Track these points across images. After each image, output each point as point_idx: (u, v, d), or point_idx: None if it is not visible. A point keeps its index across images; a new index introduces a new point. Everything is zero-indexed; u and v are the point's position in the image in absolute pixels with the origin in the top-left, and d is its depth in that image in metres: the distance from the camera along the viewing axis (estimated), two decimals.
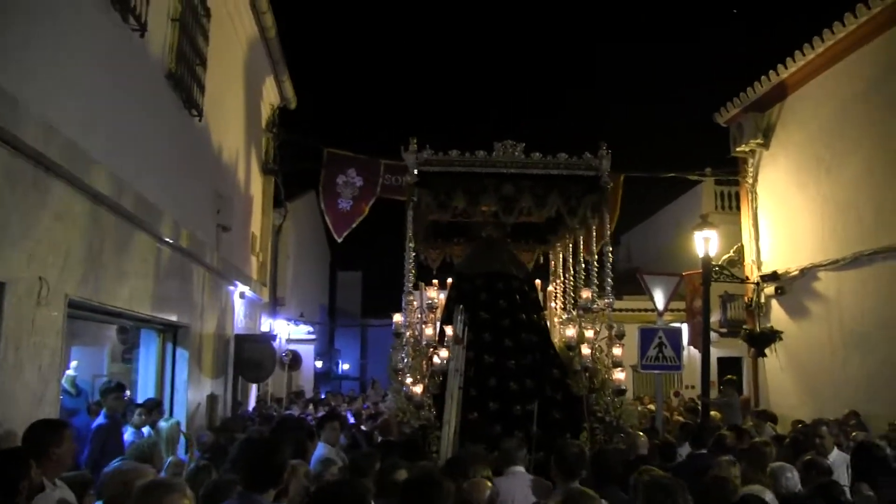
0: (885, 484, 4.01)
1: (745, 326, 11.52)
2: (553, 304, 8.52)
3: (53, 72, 4.22)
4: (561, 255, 8.63)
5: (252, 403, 11.03)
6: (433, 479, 2.93)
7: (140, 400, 6.73)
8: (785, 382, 10.73)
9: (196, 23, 7.06)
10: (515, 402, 6.31)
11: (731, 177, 12.74)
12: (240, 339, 9.53)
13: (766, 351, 10.91)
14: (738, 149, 11.63)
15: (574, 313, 7.68)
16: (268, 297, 12.13)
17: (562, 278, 8.45)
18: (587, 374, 6.68)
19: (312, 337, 17.09)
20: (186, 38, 6.71)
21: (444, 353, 6.31)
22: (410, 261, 6.78)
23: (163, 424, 6.46)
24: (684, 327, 10.74)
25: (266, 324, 12.29)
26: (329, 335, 24.92)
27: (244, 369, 9.47)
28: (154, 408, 6.45)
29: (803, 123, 10.53)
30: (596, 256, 7.30)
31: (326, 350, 24.02)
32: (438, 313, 7.46)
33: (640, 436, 5.65)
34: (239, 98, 9.64)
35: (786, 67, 10.41)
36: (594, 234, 7.34)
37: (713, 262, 10.24)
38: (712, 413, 8.78)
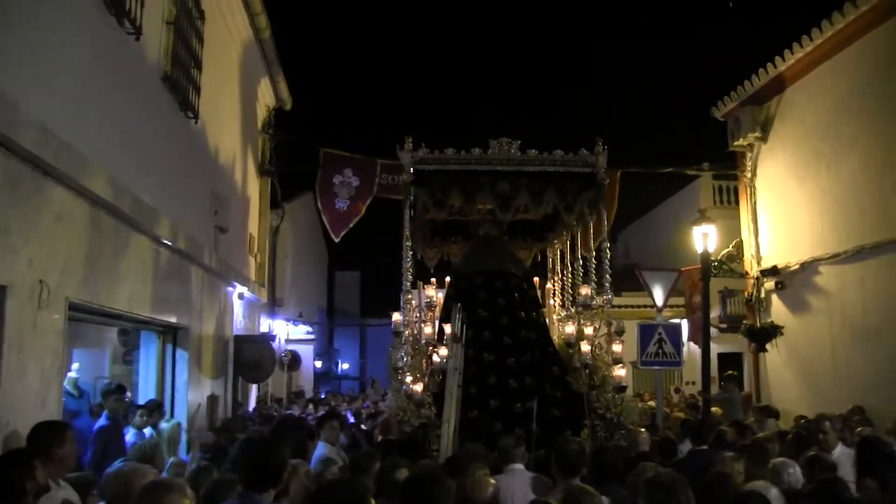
0: (892, 479, 3.95)
1: (745, 321, 11.51)
2: (552, 302, 8.53)
3: (51, 76, 4.22)
4: (559, 253, 8.64)
5: (252, 404, 11.04)
6: (434, 477, 2.93)
7: (141, 401, 6.74)
8: (786, 378, 10.72)
9: (190, 25, 7.06)
10: (515, 400, 6.32)
11: (729, 171, 12.73)
12: (239, 339, 9.54)
13: (767, 346, 10.90)
14: (735, 143, 11.60)
15: (573, 310, 7.69)
16: (266, 298, 12.13)
17: (560, 275, 8.46)
18: (587, 371, 6.69)
19: (311, 337, 17.11)
20: (181, 41, 6.71)
21: (443, 351, 6.32)
22: (408, 260, 6.78)
23: (164, 425, 6.48)
24: (684, 323, 10.77)
25: (265, 324, 12.30)
26: (328, 335, 24.94)
27: (244, 370, 9.48)
28: (155, 409, 6.47)
29: (802, 116, 10.48)
30: (594, 253, 7.31)
31: (326, 350, 24.04)
32: (437, 312, 7.47)
33: (642, 432, 5.65)
34: (234, 100, 9.64)
35: (784, 60, 10.32)
36: (592, 230, 7.34)
37: (712, 258, 10.25)
38: (713, 409, 8.80)
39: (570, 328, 7.20)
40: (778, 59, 10.44)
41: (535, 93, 38.32)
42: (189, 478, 3.89)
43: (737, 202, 12.48)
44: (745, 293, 11.82)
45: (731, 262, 11.90)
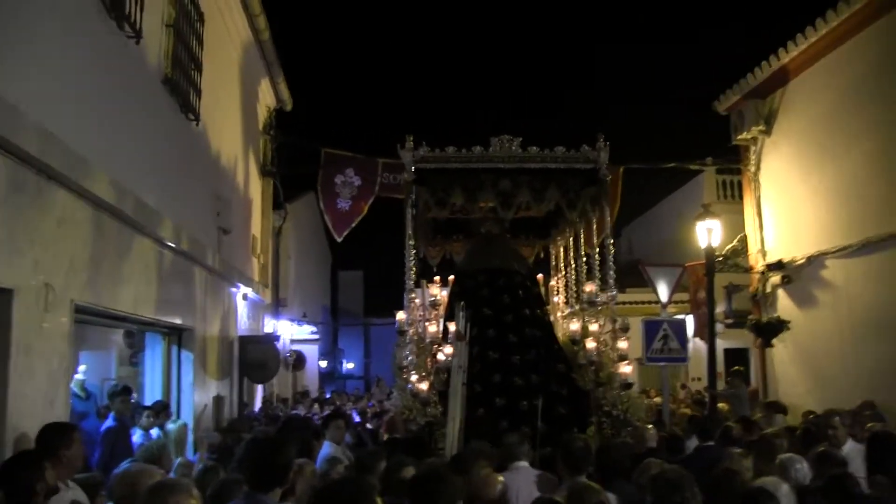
0: None
1: (751, 317, 11.46)
2: (556, 299, 8.52)
3: (52, 80, 4.24)
4: (562, 249, 8.63)
5: (258, 404, 11.07)
6: (441, 475, 2.92)
7: (147, 403, 6.76)
8: (793, 373, 10.66)
9: (190, 27, 7.07)
10: (521, 398, 6.32)
11: (732, 165, 12.66)
12: (244, 340, 9.57)
13: (774, 341, 10.85)
14: (739, 137, 11.53)
15: (577, 307, 7.68)
16: (270, 299, 12.15)
17: (563, 272, 8.45)
18: (593, 368, 6.68)
19: (316, 337, 17.14)
20: (181, 43, 6.72)
21: (448, 349, 6.32)
22: (411, 259, 6.79)
23: (170, 426, 6.50)
24: (689, 319, 10.73)
25: (269, 325, 12.31)
26: (332, 335, 24.98)
27: (249, 370, 9.50)
28: (161, 410, 6.49)
29: (806, 108, 10.39)
30: (597, 249, 7.30)
31: (330, 350, 24.08)
32: (441, 310, 7.47)
33: (649, 428, 5.64)
34: (235, 101, 9.65)
35: (787, 51, 10.24)
36: (595, 227, 7.33)
37: (717, 253, 10.21)
38: (720, 405, 8.77)
39: (575, 325, 7.19)
40: (781, 50, 10.33)
41: (535, 93, 38.34)
42: (196, 478, 3.90)
43: (741, 196, 12.42)
44: (751, 288, 11.76)
45: (735, 257, 11.85)
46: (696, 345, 11.79)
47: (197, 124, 7.36)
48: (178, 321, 6.85)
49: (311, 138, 12.23)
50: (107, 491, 3.63)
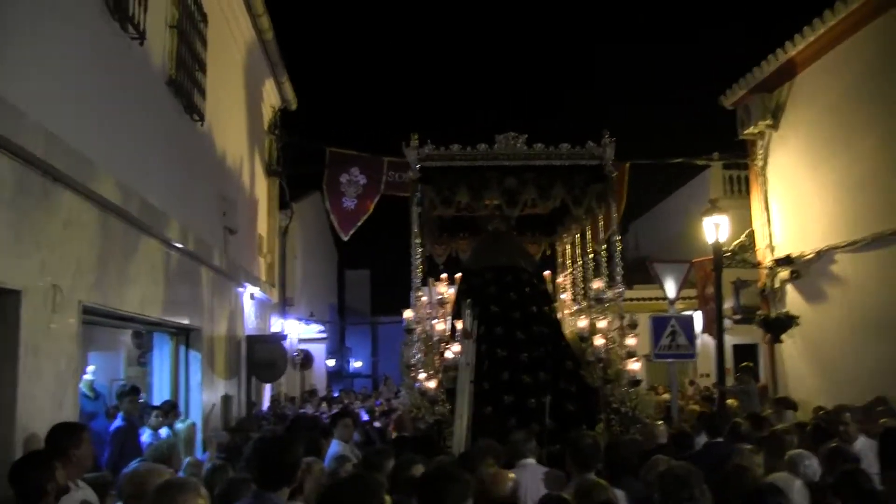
0: None
1: (759, 312, 11.39)
2: (563, 296, 8.49)
3: (56, 82, 4.25)
4: (568, 247, 8.60)
5: (266, 403, 11.10)
6: (451, 473, 2.91)
7: (156, 402, 6.79)
8: (803, 368, 10.58)
9: (194, 28, 7.08)
10: (529, 395, 6.30)
11: (739, 160, 12.59)
12: (251, 339, 9.59)
13: (783, 337, 10.78)
14: (745, 131, 11.44)
15: (584, 304, 7.66)
16: (277, 298, 12.18)
17: (570, 269, 8.42)
18: (601, 366, 6.66)
19: (323, 336, 17.16)
20: (185, 44, 6.73)
21: (456, 347, 6.32)
22: (417, 257, 6.78)
23: (179, 426, 6.52)
24: (697, 315, 10.68)
25: (277, 324, 12.34)
26: (339, 333, 25.02)
27: (257, 369, 9.53)
28: (170, 410, 6.51)
29: (814, 101, 10.29)
30: (604, 246, 7.28)
31: (337, 348, 24.12)
32: (449, 308, 7.47)
33: (659, 425, 5.61)
34: (240, 101, 9.67)
35: (794, 44, 10.14)
36: (601, 223, 7.30)
37: (724, 248, 10.15)
38: (729, 401, 8.72)
39: (583, 322, 7.17)
40: (788, 43, 10.23)
41: (538, 93, 38.22)
42: (205, 477, 3.91)
43: (748, 191, 12.34)
44: (759, 283, 11.68)
45: (743, 253, 11.77)
46: (705, 341, 11.76)
47: (202, 125, 7.38)
48: (185, 321, 6.87)
49: (316, 138, 12.28)
50: (116, 490, 3.64)
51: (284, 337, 11.45)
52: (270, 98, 11.68)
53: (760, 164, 11.48)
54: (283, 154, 11.78)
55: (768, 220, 11.38)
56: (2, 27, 3.68)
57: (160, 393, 7.10)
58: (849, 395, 8.22)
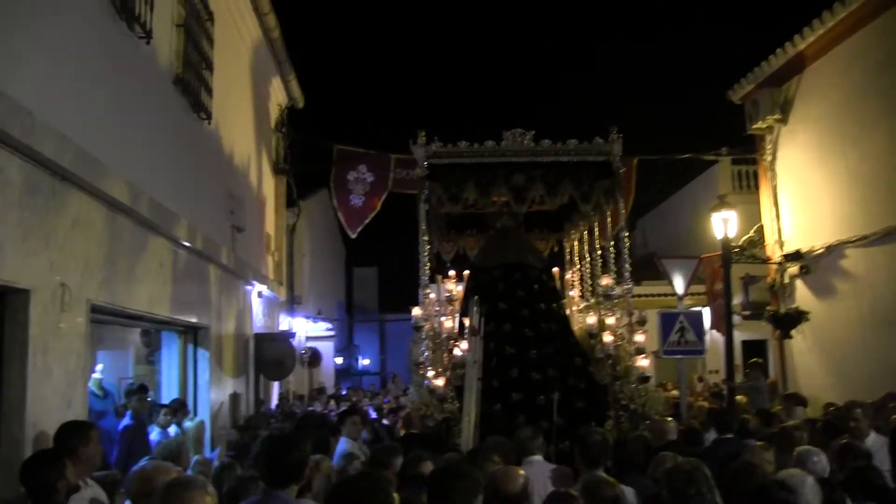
0: None
1: (768, 308, 11.32)
2: (571, 293, 8.46)
3: (63, 81, 4.26)
4: (576, 243, 8.57)
5: (274, 401, 11.13)
6: (460, 470, 2.90)
7: (165, 401, 6.82)
8: (813, 365, 10.51)
9: (200, 27, 7.08)
10: (538, 392, 6.28)
11: (748, 155, 12.50)
12: (259, 338, 9.61)
13: (793, 332, 10.70)
14: (754, 126, 11.35)
15: (593, 301, 7.63)
16: (285, 296, 12.20)
17: (578, 266, 8.39)
18: (610, 362, 6.64)
19: (331, 333, 17.20)
20: (191, 43, 6.74)
21: (464, 345, 6.31)
22: (425, 254, 6.77)
23: (188, 424, 6.54)
24: (706, 311, 10.62)
25: (285, 322, 12.37)
26: (348, 331, 25.08)
27: (265, 368, 9.55)
28: (179, 408, 6.54)
29: (824, 95, 10.19)
30: (612, 242, 7.24)
31: (346, 346, 24.18)
32: (457, 306, 7.46)
33: (669, 421, 5.58)
34: (247, 99, 9.68)
35: (803, 38, 10.03)
36: (609, 219, 7.27)
37: (733, 244, 10.09)
38: (738, 397, 8.67)
39: (592, 319, 7.14)
40: (797, 37, 10.13)
41: (545, 90, 38.03)
42: (213, 475, 3.92)
43: (757, 187, 12.25)
44: (768, 279, 11.60)
45: (752, 248, 11.68)
46: (713, 337, 11.69)
47: (209, 123, 7.39)
48: (193, 319, 6.90)
49: (324, 135, 12.32)
50: (125, 488, 3.66)
51: (292, 335, 11.48)
52: (277, 96, 11.70)
53: (769, 158, 11.39)
54: (290, 152, 11.80)
55: (777, 216, 11.30)
56: (8, 27, 3.69)
57: (169, 391, 7.12)
58: (859, 391, 8.15)
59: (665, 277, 8.90)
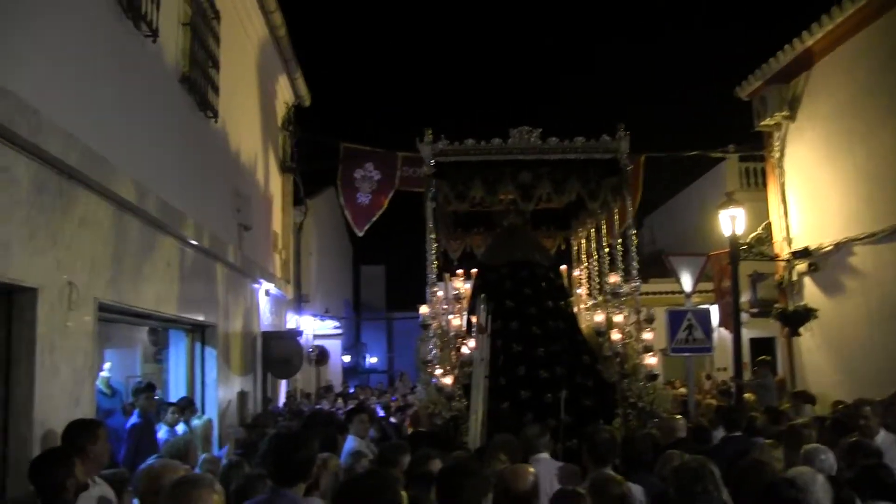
0: None
1: (777, 305, 11.26)
2: (579, 290, 8.44)
3: (70, 80, 4.27)
4: (583, 241, 8.54)
5: (282, 399, 11.16)
6: (469, 468, 2.89)
7: (172, 399, 6.84)
8: (822, 362, 10.45)
9: (206, 25, 7.09)
10: (546, 391, 6.26)
11: (755, 152, 12.43)
12: (267, 336, 9.63)
13: (801, 330, 10.64)
14: (762, 123, 11.28)
15: (600, 299, 7.61)
16: (292, 294, 12.23)
17: (586, 264, 8.36)
18: (618, 360, 6.61)
19: (339, 332, 17.21)
20: (198, 41, 6.75)
21: (472, 343, 6.29)
22: (432, 252, 6.76)
23: (195, 422, 6.57)
24: (714, 309, 10.57)
25: (292, 320, 12.40)
26: (355, 329, 25.13)
27: (272, 366, 9.57)
28: (187, 406, 6.56)
29: (832, 92, 10.12)
30: (619, 240, 7.22)
31: (353, 344, 24.23)
32: (465, 304, 7.45)
33: (678, 419, 5.56)
34: (253, 98, 9.69)
35: (811, 34, 9.96)
36: (616, 217, 7.24)
37: (741, 241, 10.03)
38: (746, 395, 8.63)
39: (600, 316, 7.12)
40: (805, 33, 10.06)
41: (552, 88, 37.93)
42: (221, 473, 3.93)
43: (764, 184, 12.18)
44: (776, 276, 11.54)
45: (760, 245, 11.63)
46: (722, 334, 11.62)
47: (216, 121, 7.40)
48: (200, 318, 6.91)
49: (330, 133, 12.32)
50: (133, 486, 3.67)
51: (300, 333, 11.51)
52: (284, 94, 11.71)
53: (777, 155, 11.32)
54: (297, 150, 11.81)
55: (785, 213, 11.23)
56: (14, 27, 3.70)
57: (176, 389, 7.15)
58: (868, 389, 8.09)
59: (673, 275, 8.86)
